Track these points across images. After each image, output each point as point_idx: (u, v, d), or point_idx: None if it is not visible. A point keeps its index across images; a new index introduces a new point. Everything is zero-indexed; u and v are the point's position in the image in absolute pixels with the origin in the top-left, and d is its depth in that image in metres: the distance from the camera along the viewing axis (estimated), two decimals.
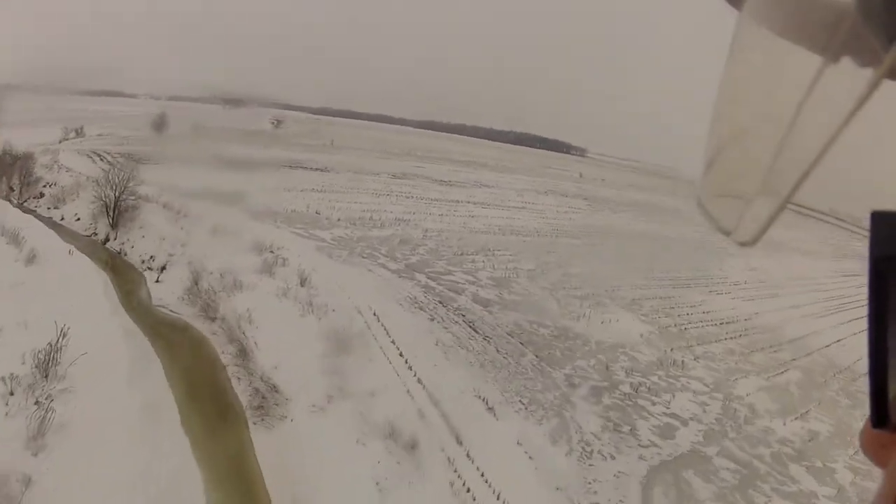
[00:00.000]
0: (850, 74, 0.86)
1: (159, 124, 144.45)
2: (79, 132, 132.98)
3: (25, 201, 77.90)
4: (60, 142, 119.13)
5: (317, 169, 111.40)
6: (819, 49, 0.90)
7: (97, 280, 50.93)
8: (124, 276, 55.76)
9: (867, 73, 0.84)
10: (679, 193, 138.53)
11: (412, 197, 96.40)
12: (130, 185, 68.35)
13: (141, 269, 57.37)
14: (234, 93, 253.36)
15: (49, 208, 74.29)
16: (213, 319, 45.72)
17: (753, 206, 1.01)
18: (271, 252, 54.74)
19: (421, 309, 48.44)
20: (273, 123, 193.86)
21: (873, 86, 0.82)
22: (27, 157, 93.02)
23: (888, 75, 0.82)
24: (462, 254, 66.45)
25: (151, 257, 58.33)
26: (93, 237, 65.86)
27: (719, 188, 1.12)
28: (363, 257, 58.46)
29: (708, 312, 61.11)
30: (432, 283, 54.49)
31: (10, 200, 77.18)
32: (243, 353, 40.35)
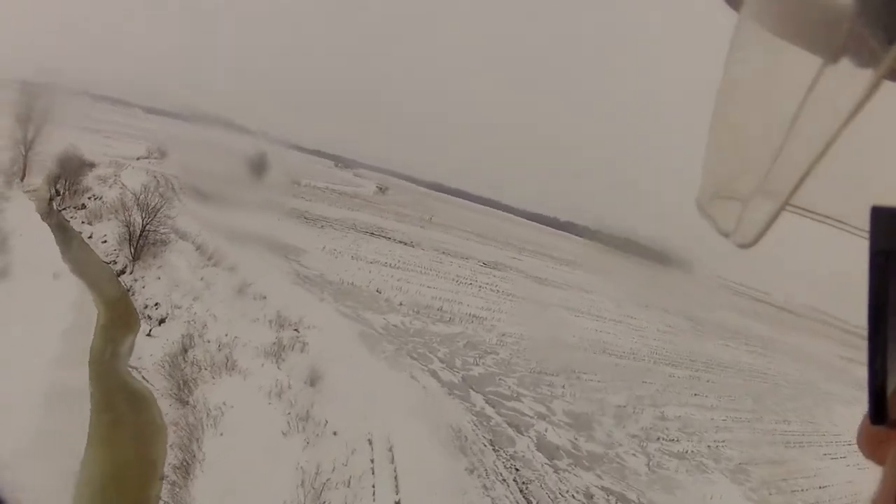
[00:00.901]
0: (849, 75, 0.86)
1: (259, 166, 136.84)
2: (162, 153, 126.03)
3: (64, 209, 70.26)
4: (138, 159, 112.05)
5: (401, 241, 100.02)
6: (818, 50, 0.90)
7: (70, 316, 40.96)
8: (119, 319, 45.67)
9: (867, 74, 0.84)
10: (773, 320, 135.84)
11: (497, 290, 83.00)
12: (162, 215, 58.44)
13: (141, 316, 46.96)
14: (348, 153, 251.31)
15: (83, 222, 65.57)
16: (186, 404, 34.21)
17: (752, 208, 1.01)
18: (295, 331, 42.65)
19: (462, 451, 34.41)
20: (378, 189, 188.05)
21: (873, 86, 0.82)
22: (85, 165, 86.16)
23: (888, 76, 0.82)
24: (540, 372, 53.07)
25: (156, 304, 47.50)
26: (111, 265, 56.07)
27: (718, 189, 1.12)
28: (413, 358, 45.09)
29: (824, 488, 49.06)
30: (490, 411, 40.96)
31: (50, 204, 71.00)
32: (185, 471, 28.05)
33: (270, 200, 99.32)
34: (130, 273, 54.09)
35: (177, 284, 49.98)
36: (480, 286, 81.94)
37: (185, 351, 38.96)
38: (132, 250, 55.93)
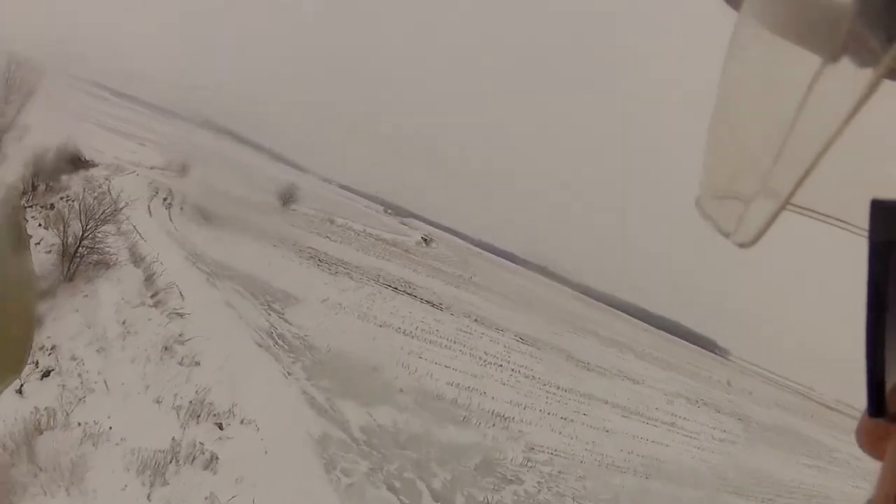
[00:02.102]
0: (849, 74, 0.85)
1: (287, 196, 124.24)
2: (183, 168, 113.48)
3: (31, 206, 58.36)
4: (151, 168, 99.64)
5: (428, 301, 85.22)
6: (818, 49, 0.89)
7: None
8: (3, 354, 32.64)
9: (866, 73, 0.82)
10: (820, 420, 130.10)
11: (532, 376, 66.59)
12: (107, 226, 45.00)
13: (29, 361, 33.16)
14: (403, 202, 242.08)
15: (40, 225, 52.80)
16: None
17: (753, 207, 1.00)
18: (217, 427, 27.52)
19: None
20: (423, 239, 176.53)
21: (873, 86, 0.81)
22: (80, 162, 74.06)
23: (887, 75, 0.81)
24: None
25: (52, 348, 33.80)
26: (40, 282, 42.92)
27: (718, 189, 1.10)
28: (391, 489, 29.05)
29: None
30: None
31: (19, 198, 59.76)
32: None
33: (285, 235, 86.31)
34: (53, 297, 40.41)
35: (89, 325, 36.00)
36: (513, 369, 65.99)
37: (35, 434, 24.79)
38: (65, 268, 42.49)
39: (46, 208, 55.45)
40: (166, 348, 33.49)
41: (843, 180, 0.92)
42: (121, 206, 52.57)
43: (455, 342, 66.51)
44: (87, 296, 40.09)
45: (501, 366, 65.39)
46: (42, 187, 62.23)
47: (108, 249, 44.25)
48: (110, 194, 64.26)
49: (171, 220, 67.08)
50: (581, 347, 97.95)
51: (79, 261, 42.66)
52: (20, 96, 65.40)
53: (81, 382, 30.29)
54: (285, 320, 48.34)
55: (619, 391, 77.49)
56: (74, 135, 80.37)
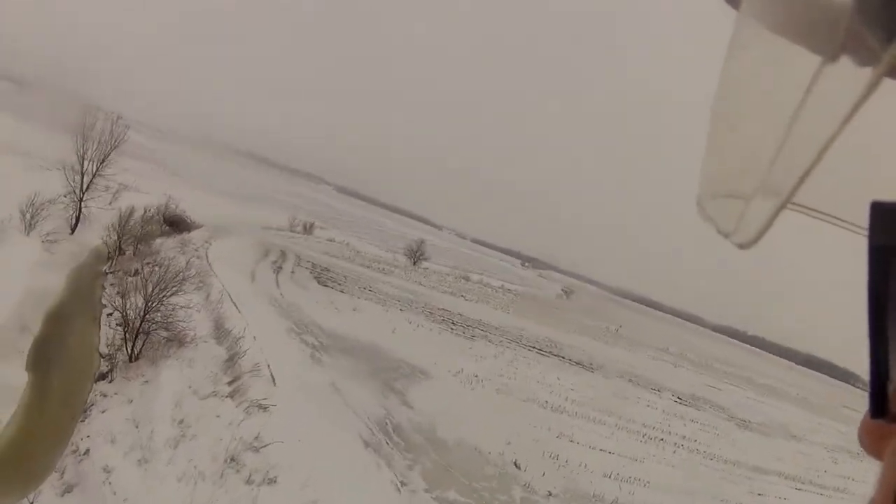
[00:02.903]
0: (849, 73, 0.84)
1: (417, 253, 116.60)
2: (308, 228, 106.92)
3: (112, 272, 51.08)
4: (265, 228, 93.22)
5: (577, 363, 74.65)
6: (818, 48, 0.88)
7: None
8: (30, 451, 25.66)
9: (866, 72, 0.82)
10: None
11: (697, 449, 55.38)
12: (190, 295, 37.33)
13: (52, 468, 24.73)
14: (541, 255, 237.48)
15: (117, 292, 43.74)
16: None
17: (753, 207, 0.98)
18: None
19: None
20: (563, 292, 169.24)
21: (872, 85, 0.81)
22: (183, 223, 67.86)
23: (887, 74, 0.81)
24: None
25: (86, 452, 25.41)
26: (100, 362, 34.88)
27: (718, 188, 1.08)
28: None
29: None
30: None
31: (104, 263, 53.03)
32: None
33: (414, 296, 77.65)
34: (110, 382, 32.32)
35: (137, 424, 27.42)
36: (675, 444, 54.81)
37: None
38: (128, 348, 34.35)
39: (130, 274, 47.91)
40: (233, 459, 24.32)
41: (844, 178, 0.91)
42: (198, 274, 44.94)
43: (611, 413, 56.12)
44: (147, 381, 31.73)
45: (663, 440, 54.58)
46: (130, 251, 55.35)
47: (181, 324, 35.84)
48: (206, 258, 56.99)
49: (277, 285, 59.04)
50: (738, 402, 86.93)
51: (145, 337, 34.42)
52: (104, 149, 58.60)
53: None
54: (406, 404, 38.94)
55: (784, 454, 65.04)
56: (177, 193, 74.44)
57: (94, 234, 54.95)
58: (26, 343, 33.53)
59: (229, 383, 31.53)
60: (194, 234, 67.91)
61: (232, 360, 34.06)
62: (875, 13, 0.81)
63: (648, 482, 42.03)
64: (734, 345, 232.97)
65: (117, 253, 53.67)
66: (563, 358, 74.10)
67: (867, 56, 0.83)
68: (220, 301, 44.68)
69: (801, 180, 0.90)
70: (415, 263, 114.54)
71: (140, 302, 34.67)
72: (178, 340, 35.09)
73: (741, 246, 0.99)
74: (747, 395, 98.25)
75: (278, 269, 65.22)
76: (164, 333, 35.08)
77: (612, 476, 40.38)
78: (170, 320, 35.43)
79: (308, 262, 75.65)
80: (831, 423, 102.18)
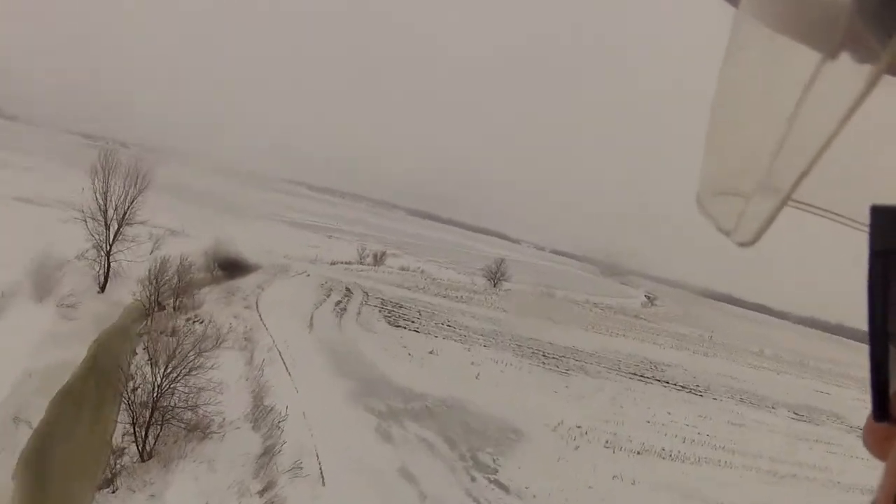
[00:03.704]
0: (848, 71, 0.86)
1: (497, 274, 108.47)
2: (378, 258, 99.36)
3: (145, 334, 41.73)
4: (332, 264, 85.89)
5: (682, 386, 66.54)
6: (817, 45, 0.90)
7: None
8: None
9: (866, 70, 0.84)
10: None
11: (832, 482, 47.20)
12: (202, 376, 28.95)
13: None
14: (613, 258, 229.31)
15: (149, 360, 34.90)
16: None
17: (753, 205, 1.00)
18: None
19: None
20: (647, 299, 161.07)
21: (872, 82, 0.82)
22: (240, 267, 60.76)
23: (887, 71, 0.83)
24: None
25: None
26: (111, 459, 27.34)
27: (718, 186, 1.10)
28: None
29: None
30: None
31: (141, 321, 44.87)
32: None
33: (497, 325, 69.63)
34: (113, 492, 24.97)
35: None
36: (807, 478, 47.09)
37: None
38: (138, 445, 26.83)
39: (167, 334, 39.96)
40: None
41: (844, 176, 0.92)
42: (244, 329, 37.25)
43: (730, 449, 48.38)
44: (153, 496, 24.13)
45: (795, 475, 46.84)
46: (170, 306, 47.68)
47: (207, 406, 27.91)
48: (256, 307, 49.57)
49: (340, 329, 51.23)
50: (852, 406, 76.70)
51: (159, 429, 26.80)
52: (130, 190, 50.44)
53: None
54: (498, 483, 30.84)
55: None
56: (230, 231, 66.87)
57: (128, 292, 47.62)
58: (20, 439, 26.56)
59: (261, 492, 23.68)
60: (248, 279, 60.70)
61: (268, 453, 26.23)
62: (874, 11, 0.82)
63: None
64: (822, 337, 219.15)
65: (153, 310, 46.03)
66: (668, 383, 65.97)
67: (866, 54, 0.84)
68: (265, 363, 37.10)
69: (801, 178, 0.91)
70: (495, 285, 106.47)
71: (158, 377, 27.01)
72: (201, 429, 27.36)
73: (741, 244, 1.00)
74: (855, 395, 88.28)
75: (342, 312, 57.50)
76: (186, 420, 27.38)
77: None
78: (192, 401, 27.68)
79: (377, 298, 68.05)
80: None
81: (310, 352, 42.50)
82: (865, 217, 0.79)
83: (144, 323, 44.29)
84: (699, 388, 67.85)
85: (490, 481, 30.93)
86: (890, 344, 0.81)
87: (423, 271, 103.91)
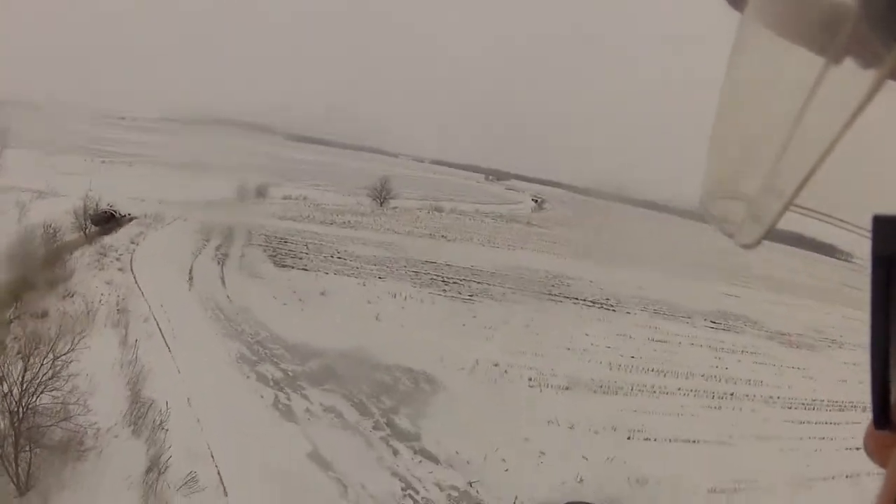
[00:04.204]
0: (852, 75, 0.87)
1: (382, 192, 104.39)
2: (260, 191, 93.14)
3: (15, 319, 34.73)
4: (208, 203, 79.22)
5: (595, 303, 63.33)
6: (822, 50, 0.90)
7: None
8: None
9: (870, 74, 0.85)
10: None
11: (772, 397, 44.45)
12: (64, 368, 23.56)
13: None
14: (500, 165, 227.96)
15: (18, 353, 26.10)
16: None
17: (756, 208, 1.02)
18: None
19: None
20: (535, 203, 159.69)
21: (876, 87, 0.83)
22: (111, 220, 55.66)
23: (891, 76, 0.84)
24: None
25: None
26: None
27: (722, 190, 1.13)
28: None
29: None
30: None
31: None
32: None
33: (390, 251, 66.08)
34: None
35: None
36: (746, 396, 44.25)
37: None
38: (12, 478, 22.05)
39: (37, 317, 34.74)
40: None
41: (847, 180, 0.93)
42: (117, 300, 32.26)
43: (660, 370, 45.48)
44: None
45: (733, 394, 44.09)
46: (41, 281, 40.51)
47: (76, 416, 23.17)
48: (130, 268, 44.51)
49: (223, 282, 46.60)
50: (765, 310, 73.65)
51: (29, 456, 21.97)
52: None
53: None
54: (424, 453, 27.76)
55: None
56: (102, 185, 60.29)
57: None
58: None
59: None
60: (120, 234, 54.77)
61: (155, 467, 22.05)
62: (879, 15, 0.81)
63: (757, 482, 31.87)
64: (708, 230, 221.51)
65: (22, 290, 39.25)
66: (577, 300, 62.86)
67: (871, 58, 0.84)
68: (141, 340, 32.46)
69: (805, 182, 0.91)
70: (381, 205, 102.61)
71: (16, 392, 22.13)
72: (74, 447, 22.72)
73: (745, 247, 1.02)
74: (763, 297, 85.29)
75: (223, 258, 52.67)
76: (56, 440, 22.57)
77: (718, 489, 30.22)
78: (63, 414, 22.85)
79: (261, 236, 63.20)
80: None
81: (191, 314, 38.13)
82: (868, 223, 0.78)
83: (13, 308, 37.81)
84: (610, 302, 64.52)
85: (415, 451, 27.71)
86: (892, 350, 0.81)
87: (305, 198, 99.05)
